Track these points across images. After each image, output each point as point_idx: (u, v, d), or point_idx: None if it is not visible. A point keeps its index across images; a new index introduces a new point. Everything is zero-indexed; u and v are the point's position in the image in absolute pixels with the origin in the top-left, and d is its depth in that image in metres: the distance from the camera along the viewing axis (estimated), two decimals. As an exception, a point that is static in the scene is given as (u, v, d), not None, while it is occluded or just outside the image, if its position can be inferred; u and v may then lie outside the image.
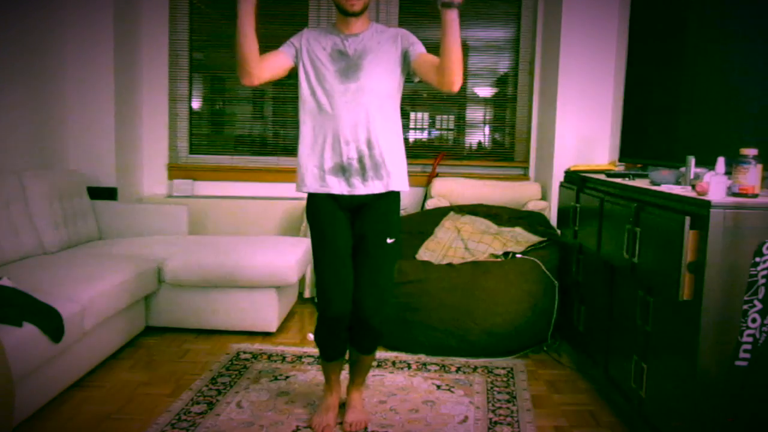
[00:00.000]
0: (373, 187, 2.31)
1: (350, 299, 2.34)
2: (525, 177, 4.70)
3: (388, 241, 2.36)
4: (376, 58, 2.29)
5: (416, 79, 2.39)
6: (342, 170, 2.29)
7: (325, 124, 2.29)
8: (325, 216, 2.35)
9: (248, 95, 4.88)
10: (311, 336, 3.50)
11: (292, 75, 2.37)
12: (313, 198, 2.37)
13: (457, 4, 2.04)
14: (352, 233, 2.38)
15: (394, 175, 2.33)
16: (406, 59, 2.32)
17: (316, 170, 2.31)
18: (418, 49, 2.30)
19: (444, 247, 3.72)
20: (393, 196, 2.37)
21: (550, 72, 4.34)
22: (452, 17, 2.06)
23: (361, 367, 2.52)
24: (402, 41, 2.32)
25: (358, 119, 2.27)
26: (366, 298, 2.34)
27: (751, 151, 2.02)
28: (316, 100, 2.30)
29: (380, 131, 2.28)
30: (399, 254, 2.43)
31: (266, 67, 2.25)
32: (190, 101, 4.81)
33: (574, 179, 3.18)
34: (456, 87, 2.15)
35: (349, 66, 2.28)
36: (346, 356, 2.54)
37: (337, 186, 2.31)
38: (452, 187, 4.34)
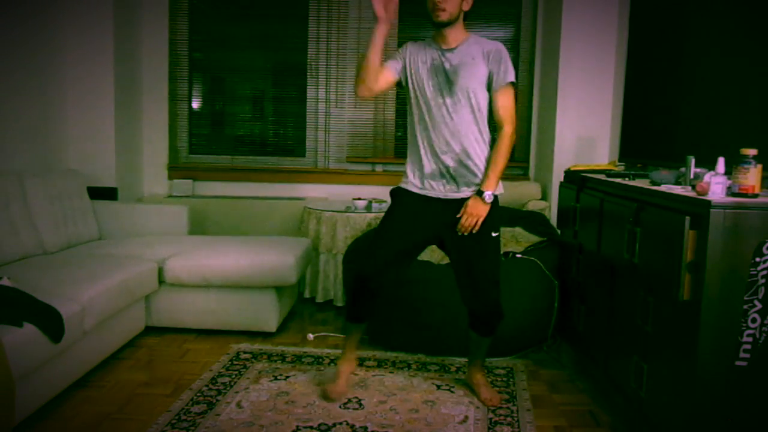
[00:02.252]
0: (468, 193, 2.49)
1: (386, 271, 2.51)
2: (525, 177, 4.70)
3: (493, 234, 2.52)
4: (469, 73, 2.41)
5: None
6: (441, 176, 2.48)
7: (424, 134, 2.50)
8: (404, 204, 2.53)
9: (248, 95, 4.88)
10: (311, 336, 3.51)
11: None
12: (402, 189, 2.56)
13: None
14: (439, 229, 2.53)
15: None
16: (489, 80, 2.45)
17: (417, 173, 2.52)
18: (500, 79, 2.43)
19: (444, 247, 3.71)
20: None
21: (550, 72, 4.34)
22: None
23: (481, 348, 2.75)
24: (490, 61, 2.43)
25: (452, 131, 2.44)
26: (479, 288, 2.55)
27: (751, 151, 2.02)
28: (419, 111, 2.50)
29: (473, 143, 2.46)
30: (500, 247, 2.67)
31: (381, 80, 2.47)
32: (190, 101, 4.81)
33: (574, 179, 3.18)
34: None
35: (445, 81, 2.43)
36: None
37: (434, 190, 2.51)
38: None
